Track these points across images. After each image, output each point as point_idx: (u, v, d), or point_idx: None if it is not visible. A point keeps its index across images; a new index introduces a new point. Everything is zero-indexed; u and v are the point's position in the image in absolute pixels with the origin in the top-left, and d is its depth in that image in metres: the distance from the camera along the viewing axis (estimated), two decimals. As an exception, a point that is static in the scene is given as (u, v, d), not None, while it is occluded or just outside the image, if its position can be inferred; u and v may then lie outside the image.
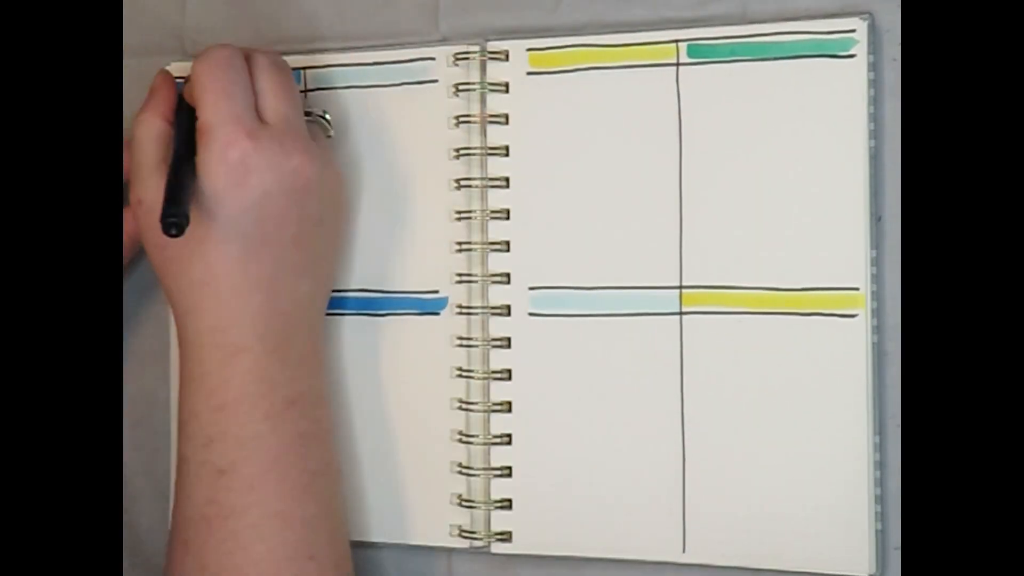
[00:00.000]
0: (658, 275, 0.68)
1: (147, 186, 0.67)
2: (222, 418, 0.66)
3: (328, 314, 0.74)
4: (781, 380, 0.66)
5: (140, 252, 0.73)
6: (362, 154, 0.74)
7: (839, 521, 0.65)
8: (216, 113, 0.66)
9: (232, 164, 0.65)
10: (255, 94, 0.68)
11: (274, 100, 0.68)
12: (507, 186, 0.71)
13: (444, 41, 0.73)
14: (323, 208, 0.69)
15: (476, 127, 0.72)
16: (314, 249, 0.69)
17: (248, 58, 0.69)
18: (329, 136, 0.73)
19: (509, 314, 0.71)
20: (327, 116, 0.72)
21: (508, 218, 0.71)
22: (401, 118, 0.73)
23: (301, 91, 0.75)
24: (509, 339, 0.71)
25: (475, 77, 0.72)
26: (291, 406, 0.67)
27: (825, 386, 0.65)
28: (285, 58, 0.75)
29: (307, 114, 0.71)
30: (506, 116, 0.71)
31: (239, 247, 0.66)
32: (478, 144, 0.71)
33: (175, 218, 0.63)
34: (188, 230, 0.63)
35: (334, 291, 0.74)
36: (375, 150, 0.73)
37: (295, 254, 0.68)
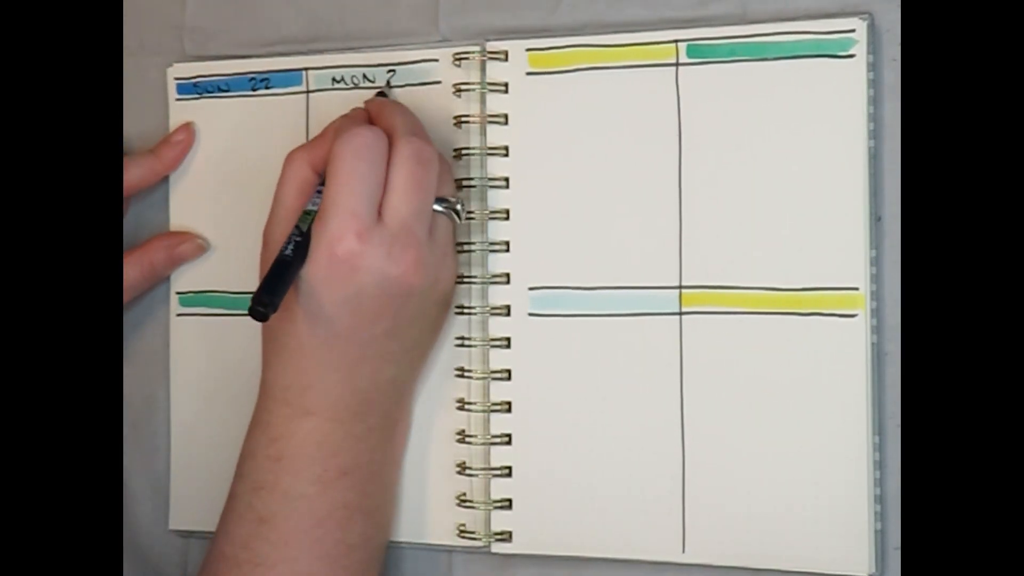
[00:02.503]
0: (658, 275, 0.68)
1: (277, 233, 0.67)
2: (276, 468, 0.67)
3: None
4: (781, 380, 0.66)
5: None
6: (362, 154, 0.74)
7: (839, 521, 0.65)
8: (335, 202, 0.65)
9: (336, 258, 0.65)
10: (385, 186, 0.66)
11: (398, 199, 0.66)
12: (507, 186, 0.71)
13: (444, 41, 0.73)
14: (424, 306, 0.68)
15: (476, 127, 0.71)
16: (407, 341, 0.68)
17: (392, 142, 0.67)
18: (458, 223, 0.70)
19: (509, 314, 0.71)
20: (459, 207, 0.69)
21: (508, 218, 0.71)
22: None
23: (303, 92, 0.75)
24: (509, 339, 0.71)
25: (475, 77, 0.71)
26: (344, 476, 0.67)
27: (825, 386, 0.65)
28: (291, 59, 0.75)
29: (442, 201, 0.68)
30: (505, 116, 0.71)
31: (327, 331, 0.66)
32: (477, 144, 0.71)
33: (263, 308, 0.64)
34: (286, 297, 0.65)
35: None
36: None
37: (385, 344, 0.67)
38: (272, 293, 0.64)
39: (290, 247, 0.65)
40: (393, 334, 0.67)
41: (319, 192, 0.67)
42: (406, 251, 0.65)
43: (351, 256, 0.64)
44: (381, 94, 0.73)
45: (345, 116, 0.70)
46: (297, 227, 0.66)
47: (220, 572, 0.68)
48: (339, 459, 0.67)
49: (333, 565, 0.67)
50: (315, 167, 0.68)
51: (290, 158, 0.68)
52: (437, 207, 0.68)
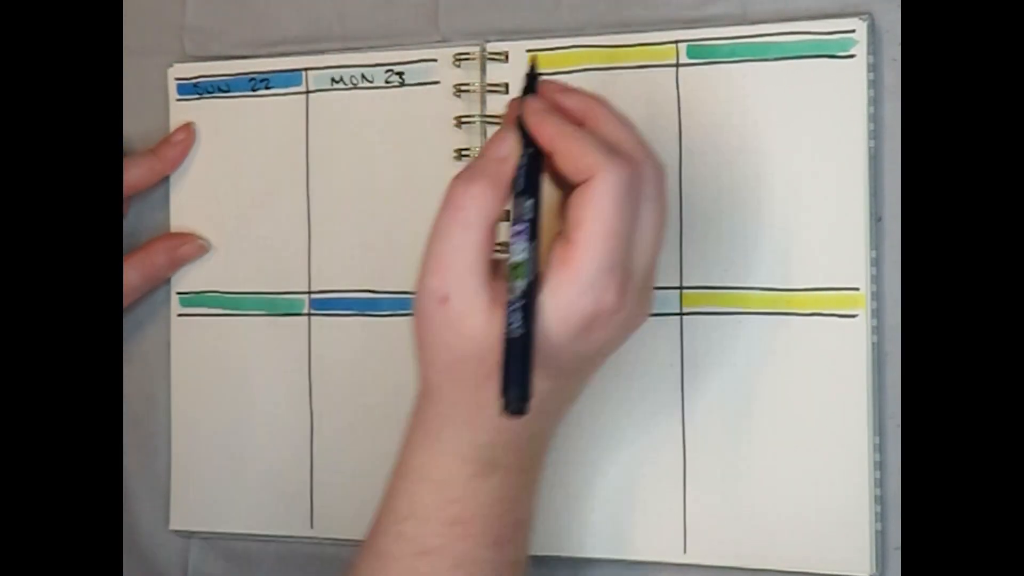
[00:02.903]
0: (659, 275, 0.68)
1: (461, 288, 0.57)
2: (450, 533, 0.60)
3: (328, 314, 0.74)
4: (781, 380, 0.66)
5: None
6: (364, 154, 0.74)
7: (839, 521, 0.65)
8: (596, 258, 0.56)
9: (586, 317, 0.57)
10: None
11: (648, 246, 0.58)
12: (507, 186, 0.71)
13: (444, 42, 0.73)
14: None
15: (476, 128, 0.71)
16: (594, 372, 0.63)
17: (638, 171, 0.58)
18: None
19: (509, 314, 0.71)
20: None
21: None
22: (403, 119, 0.73)
23: (303, 92, 0.75)
24: (509, 339, 0.71)
25: (475, 78, 0.71)
26: (518, 529, 0.62)
27: (825, 386, 0.65)
28: (291, 59, 0.75)
29: None
30: (506, 117, 0.71)
31: (550, 391, 0.59)
32: (479, 145, 0.71)
33: (522, 402, 0.55)
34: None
35: (334, 291, 0.74)
36: (377, 150, 0.73)
37: (581, 386, 0.62)
38: (523, 385, 0.55)
39: (518, 321, 0.56)
40: (592, 376, 0.62)
41: (519, 233, 0.57)
42: (649, 298, 0.60)
43: (610, 315, 0.57)
44: (531, 78, 0.61)
45: (513, 138, 0.59)
46: (512, 290, 0.56)
47: None
48: (516, 513, 0.62)
49: None
50: (502, 200, 0.58)
51: (469, 195, 0.58)
52: None
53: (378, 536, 0.62)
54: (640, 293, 0.58)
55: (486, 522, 0.60)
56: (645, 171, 0.58)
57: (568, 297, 0.57)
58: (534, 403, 0.56)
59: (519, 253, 0.57)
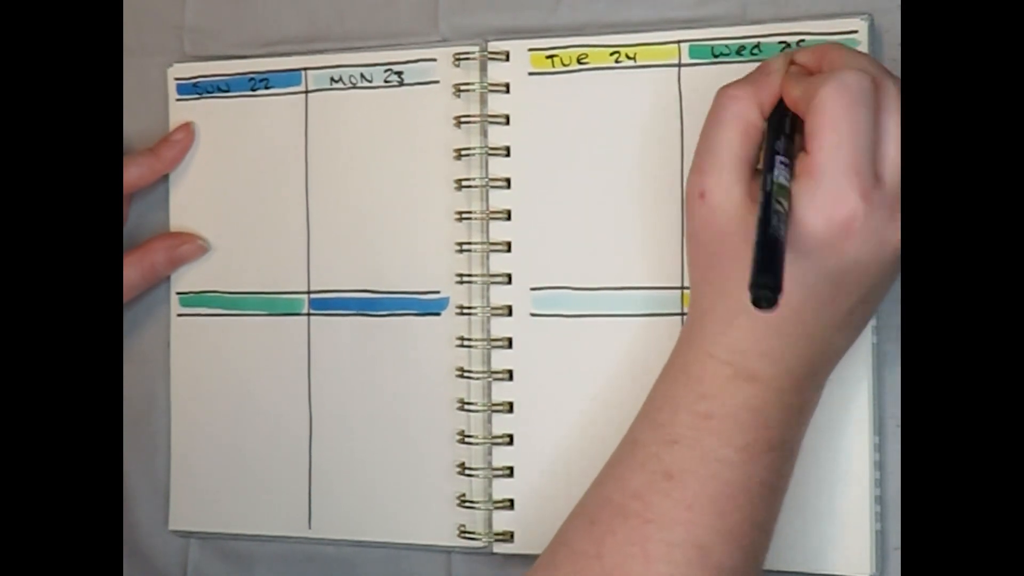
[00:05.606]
0: (660, 275, 0.68)
1: (718, 182, 0.60)
2: (701, 426, 0.60)
3: (328, 314, 0.74)
4: (782, 380, 0.66)
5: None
6: (363, 154, 0.74)
7: (839, 521, 0.65)
8: (835, 158, 0.57)
9: (835, 224, 0.57)
10: (878, 136, 0.58)
11: (896, 151, 0.58)
12: (508, 187, 0.71)
13: (444, 41, 0.73)
14: (895, 274, 0.61)
15: (477, 127, 0.71)
16: (868, 311, 0.62)
17: (876, 86, 0.59)
18: None
19: (510, 314, 0.71)
20: None
21: (509, 219, 0.71)
22: (402, 118, 0.73)
23: (302, 92, 0.75)
24: (510, 339, 0.71)
25: (475, 77, 0.71)
26: (770, 451, 0.60)
27: (825, 386, 0.65)
28: (290, 59, 0.75)
29: None
30: (507, 117, 0.71)
31: (802, 300, 0.59)
32: (479, 144, 0.71)
33: (768, 291, 0.54)
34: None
35: (333, 291, 0.74)
36: (376, 150, 0.73)
37: (850, 315, 0.61)
38: (771, 272, 0.55)
39: (780, 224, 0.56)
40: (861, 305, 0.61)
41: (782, 162, 0.58)
42: None
43: (852, 221, 0.57)
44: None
45: (783, 56, 0.63)
46: (778, 201, 0.57)
47: (603, 518, 0.61)
48: (770, 432, 0.60)
49: (732, 544, 0.60)
50: (762, 110, 0.60)
51: (730, 96, 0.61)
52: None
53: (634, 425, 0.63)
54: (895, 202, 0.58)
55: (737, 425, 0.60)
56: (883, 83, 0.59)
57: (811, 203, 0.57)
58: (788, 310, 0.58)
59: (782, 178, 0.58)
